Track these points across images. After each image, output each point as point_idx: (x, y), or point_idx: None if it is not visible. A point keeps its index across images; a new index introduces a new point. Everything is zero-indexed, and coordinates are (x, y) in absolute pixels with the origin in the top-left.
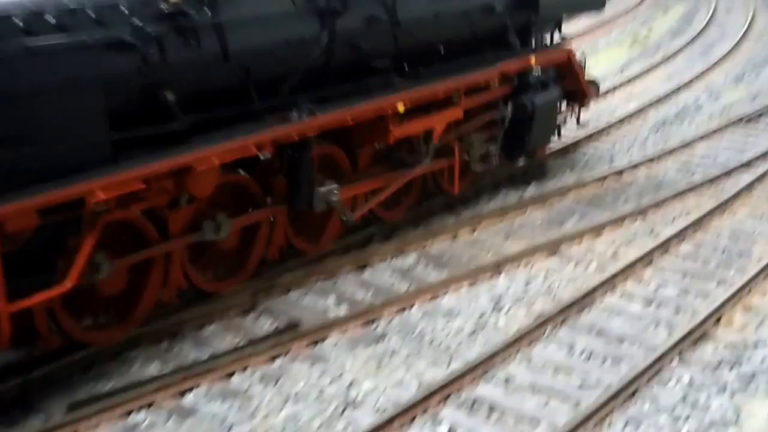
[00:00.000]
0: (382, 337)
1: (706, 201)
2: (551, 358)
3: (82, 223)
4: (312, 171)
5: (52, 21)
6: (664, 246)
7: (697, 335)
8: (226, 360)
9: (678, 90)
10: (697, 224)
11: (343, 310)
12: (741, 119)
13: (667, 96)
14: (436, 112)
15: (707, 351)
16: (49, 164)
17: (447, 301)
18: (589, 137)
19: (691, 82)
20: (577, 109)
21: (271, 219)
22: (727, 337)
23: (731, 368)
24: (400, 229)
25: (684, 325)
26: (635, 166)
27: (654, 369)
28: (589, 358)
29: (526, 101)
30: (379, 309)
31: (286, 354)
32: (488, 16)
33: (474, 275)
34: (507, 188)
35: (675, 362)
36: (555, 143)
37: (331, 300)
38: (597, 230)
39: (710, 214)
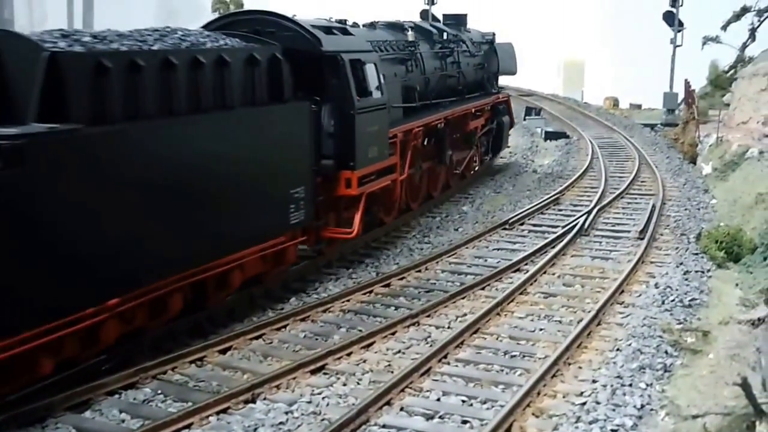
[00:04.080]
0: None
1: (481, 304)
2: None
3: (407, 143)
4: (447, 141)
5: (375, 46)
6: (442, 352)
7: None
8: None
9: (441, 201)
10: (474, 328)
11: None
12: (505, 223)
13: (432, 206)
14: (478, 118)
15: None
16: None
17: None
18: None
19: (454, 193)
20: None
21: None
22: None
23: None
24: (132, 355)
25: None
26: (404, 273)
27: None
28: None
29: (499, 120)
30: None
31: None
32: (480, 69)
33: (224, 403)
34: (264, 303)
35: None
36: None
37: None
38: (367, 341)
39: (486, 316)
